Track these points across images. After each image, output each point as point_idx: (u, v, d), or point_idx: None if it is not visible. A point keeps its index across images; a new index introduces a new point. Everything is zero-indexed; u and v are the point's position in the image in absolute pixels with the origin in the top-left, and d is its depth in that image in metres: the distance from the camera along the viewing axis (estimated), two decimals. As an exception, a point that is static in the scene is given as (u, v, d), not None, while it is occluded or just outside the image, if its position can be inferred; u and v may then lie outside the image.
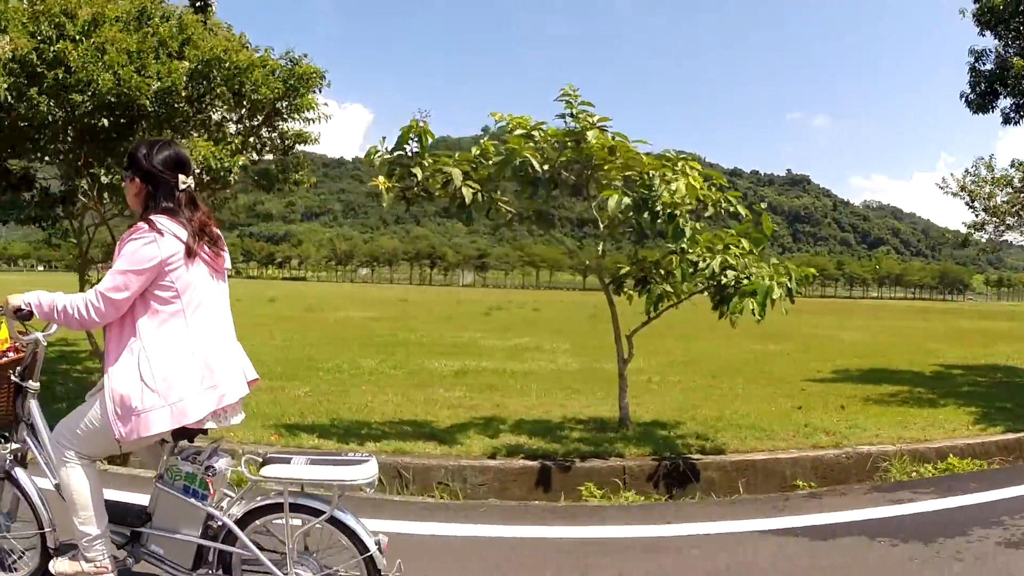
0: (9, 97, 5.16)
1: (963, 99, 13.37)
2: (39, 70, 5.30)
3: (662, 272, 5.20)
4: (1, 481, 2.81)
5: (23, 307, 2.53)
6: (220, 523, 2.52)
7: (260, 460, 2.51)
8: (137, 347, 2.45)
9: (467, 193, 4.55)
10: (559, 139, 4.80)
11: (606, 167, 4.96)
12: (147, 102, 5.44)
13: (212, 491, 2.53)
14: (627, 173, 4.84)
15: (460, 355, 12.15)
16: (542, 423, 5.86)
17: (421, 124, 4.66)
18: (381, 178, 4.66)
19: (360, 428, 5.46)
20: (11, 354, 2.72)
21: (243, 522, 2.51)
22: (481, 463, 4.37)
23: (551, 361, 11.97)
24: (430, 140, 4.71)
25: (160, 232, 2.46)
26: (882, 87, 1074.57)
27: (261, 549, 2.52)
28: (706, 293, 5.24)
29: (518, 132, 4.77)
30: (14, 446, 2.75)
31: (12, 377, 2.67)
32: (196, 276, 2.54)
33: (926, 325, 28.55)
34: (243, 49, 6.21)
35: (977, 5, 12.76)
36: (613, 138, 4.73)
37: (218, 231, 2.70)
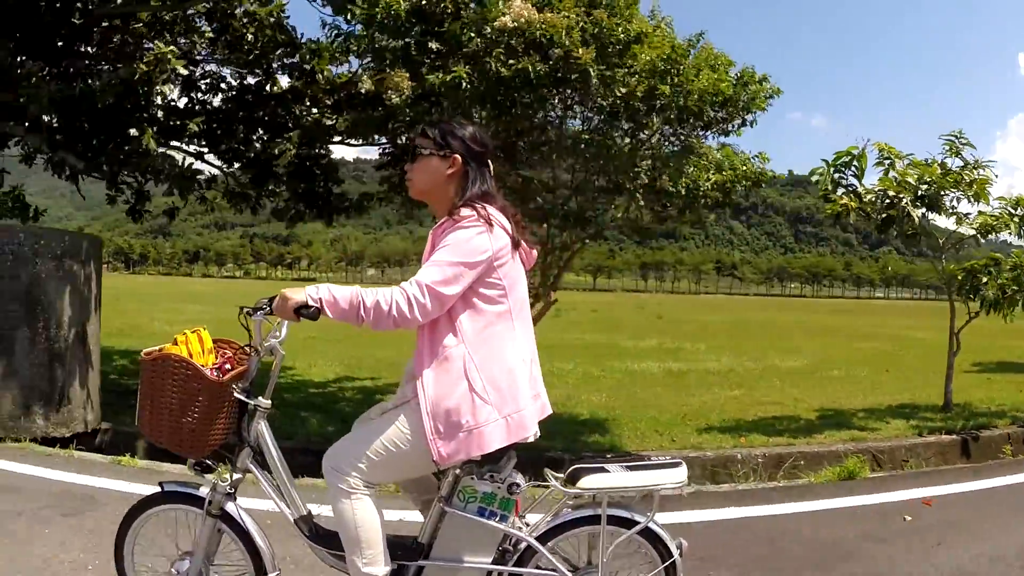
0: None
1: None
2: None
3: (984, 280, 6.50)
4: (213, 519, 2.38)
5: (310, 303, 2.10)
6: (515, 545, 2.30)
7: (563, 473, 2.31)
8: (461, 352, 2.16)
9: (915, 215, 5.76)
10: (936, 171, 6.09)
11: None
12: (696, 107, 5.21)
13: (518, 510, 2.29)
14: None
15: (629, 357, 13.03)
16: (875, 410, 7.01)
17: (860, 150, 5.83)
18: (841, 194, 5.81)
19: (776, 423, 6.47)
20: (228, 366, 2.37)
21: (542, 540, 2.30)
22: (924, 441, 5.53)
23: (716, 360, 13.04)
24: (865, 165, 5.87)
25: (490, 222, 2.18)
26: (877, 87, 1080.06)
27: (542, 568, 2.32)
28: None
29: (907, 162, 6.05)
30: (235, 476, 2.36)
31: (236, 394, 2.28)
32: (518, 273, 2.29)
33: (975, 324, 29.92)
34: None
35: None
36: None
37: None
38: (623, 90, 4.94)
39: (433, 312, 2.12)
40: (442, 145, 2.26)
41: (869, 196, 5.90)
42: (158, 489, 2.46)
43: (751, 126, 5.94)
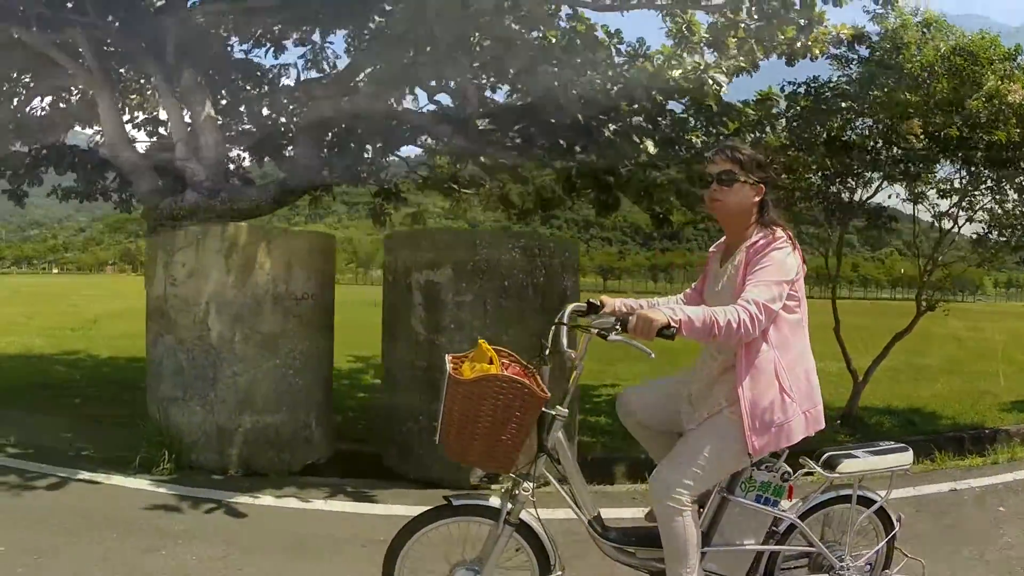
0: None
1: None
2: None
3: None
4: (510, 528, 2.43)
5: (672, 324, 2.23)
6: (778, 526, 2.60)
7: (816, 460, 2.66)
8: (772, 356, 2.45)
9: None
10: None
11: None
12: None
13: (790, 496, 2.58)
14: None
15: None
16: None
17: None
18: None
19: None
20: (518, 378, 2.38)
21: (800, 520, 2.62)
22: None
23: (829, 362, 13.83)
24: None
25: (795, 243, 2.48)
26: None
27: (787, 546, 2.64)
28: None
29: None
30: (533, 485, 2.41)
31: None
32: (803, 286, 2.55)
33: (1019, 325, 30.83)
34: None
35: None
36: None
37: None
38: None
39: (766, 326, 2.40)
40: (753, 174, 2.55)
41: None
42: (443, 503, 2.48)
43: None
